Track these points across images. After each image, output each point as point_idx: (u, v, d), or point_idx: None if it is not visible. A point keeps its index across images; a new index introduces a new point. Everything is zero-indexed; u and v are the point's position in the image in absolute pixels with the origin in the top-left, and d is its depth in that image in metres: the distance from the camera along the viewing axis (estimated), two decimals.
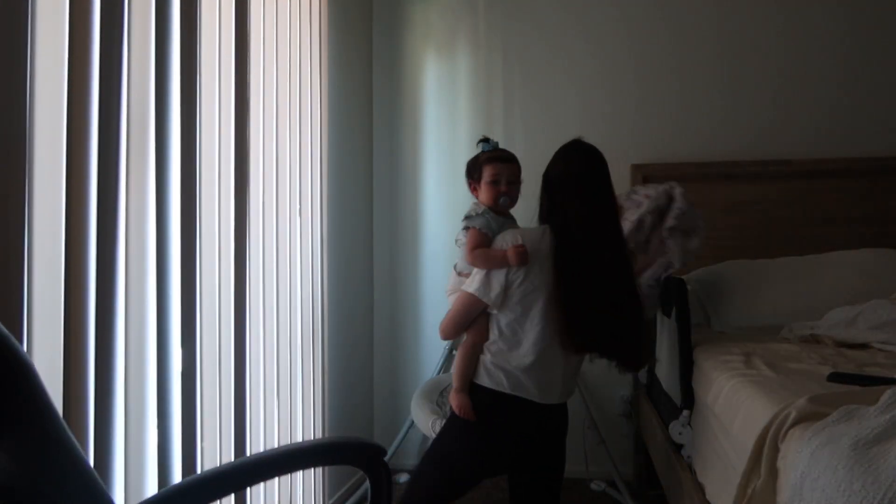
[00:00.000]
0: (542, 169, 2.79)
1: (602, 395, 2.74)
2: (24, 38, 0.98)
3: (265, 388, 1.78)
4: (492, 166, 1.56)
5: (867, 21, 2.60)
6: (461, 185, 2.93)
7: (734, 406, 1.33)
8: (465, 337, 1.56)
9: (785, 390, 1.25)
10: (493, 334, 1.51)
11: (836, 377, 1.33)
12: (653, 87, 2.74)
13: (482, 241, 1.50)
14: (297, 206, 2.06)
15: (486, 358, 1.50)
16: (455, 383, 1.52)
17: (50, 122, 1.02)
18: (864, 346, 1.75)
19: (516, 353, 1.48)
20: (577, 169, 1.51)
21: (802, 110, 2.64)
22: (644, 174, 2.64)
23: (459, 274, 1.58)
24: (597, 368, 2.74)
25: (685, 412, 1.72)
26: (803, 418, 1.04)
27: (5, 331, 0.64)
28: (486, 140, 1.64)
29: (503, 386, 1.46)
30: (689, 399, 1.72)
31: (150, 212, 1.25)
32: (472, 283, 1.49)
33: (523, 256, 1.43)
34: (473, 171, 1.60)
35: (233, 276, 1.60)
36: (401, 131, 2.97)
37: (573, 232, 1.46)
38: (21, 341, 0.96)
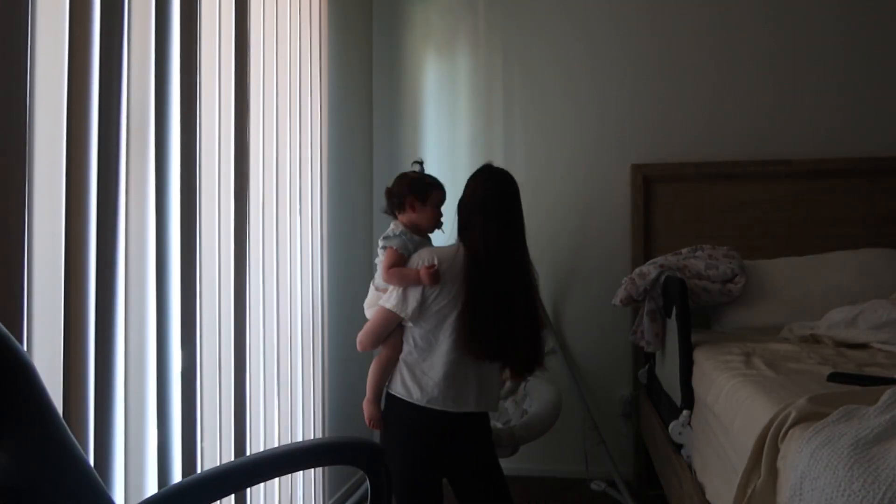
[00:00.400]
0: (544, 168, 2.81)
1: (602, 395, 2.74)
2: (24, 38, 0.98)
3: (265, 388, 1.78)
4: (438, 192, 1.67)
5: (867, 21, 2.60)
6: (461, 185, 2.93)
7: (734, 406, 1.33)
8: (380, 349, 1.62)
9: (785, 390, 1.25)
10: (408, 346, 1.58)
11: (836, 377, 1.33)
12: (653, 87, 2.74)
13: (398, 260, 1.58)
14: (297, 206, 2.06)
15: (403, 370, 1.58)
16: (368, 393, 1.60)
17: (50, 122, 1.02)
18: (864, 346, 1.75)
19: (429, 362, 1.56)
20: (483, 192, 1.60)
21: (802, 110, 2.64)
22: (644, 174, 2.65)
23: (377, 289, 1.65)
24: (597, 369, 2.77)
25: (685, 412, 1.72)
26: (803, 418, 1.04)
27: (5, 331, 0.64)
28: (420, 163, 1.75)
29: (416, 398, 1.54)
30: (689, 399, 1.72)
31: (149, 212, 1.25)
32: (390, 300, 1.56)
33: (434, 276, 1.53)
34: (419, 191, 1.65)
35: (233, 276, 1.60)
36: (401, 131, 2.97)
37: (479, 248, 1.56)
38: (21, 341, 0.96)
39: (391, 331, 1.60)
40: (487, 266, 1.54)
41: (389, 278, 1.57)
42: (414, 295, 1.54)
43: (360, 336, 1.62)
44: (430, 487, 1.59)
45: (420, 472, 1.58)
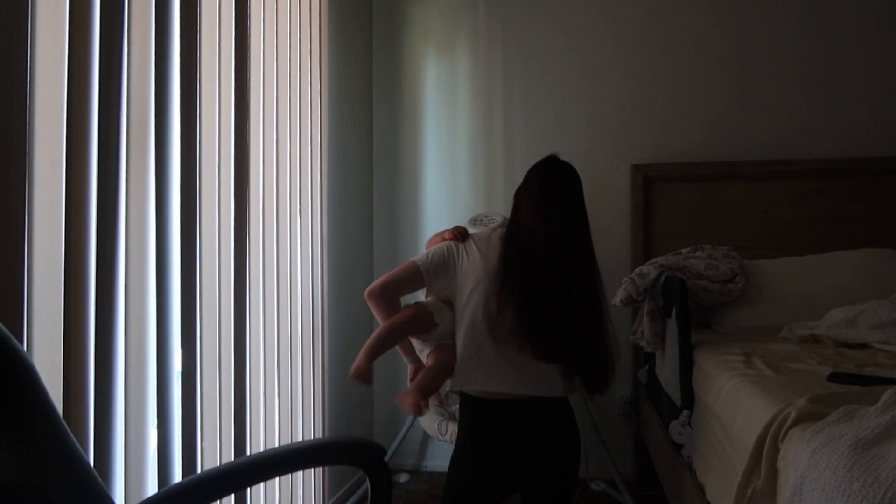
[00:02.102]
0: None
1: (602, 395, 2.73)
2: (24, 38, 0.98)
3: (265, 388, 1.78)
4: None
5: (867, 21, 2.60)
6: (461, 185, 2.93)
7: (734, 406, 1.33)
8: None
9: (785, 390, 1.25)
10: (458, 348, 1.51)
11: (836, 377, 1.33)
12: (653, 86, 2.74)
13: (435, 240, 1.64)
14: (297, 206, 2.06)
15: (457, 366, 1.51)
16: (366, 348, 1.50)
17: (50, 122, 1.02)
18: (864, 346, 1.75)
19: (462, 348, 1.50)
20: (538, 182, 1.55)
21: (802, 110, 2.64)
22: (644, 174, 2.65)
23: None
24: None
25: (685, 412, 1.72)
26: (803, 418, 1.04)
27: (5, 331, 0.64)
28: None
29: (474, 386, 1.48)
30: (689, 399, 1.72)
31: (150, 212, 1.25)
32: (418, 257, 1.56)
33: (457, 233, 1.58)
34: None
35: (233, 276, 1.60)
36: (401, 131, 2.97)
37: (532, 238, 1.48)
38: (21, 341, 0.96)
39: (401, 288, 1.53)
40: (541, 252, 1.45)
41: (427, 246, 1.63)
42: (438, 252, 1.54)
43: (374, 283, 1.54)
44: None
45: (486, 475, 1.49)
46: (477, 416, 1.50)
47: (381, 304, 1.52)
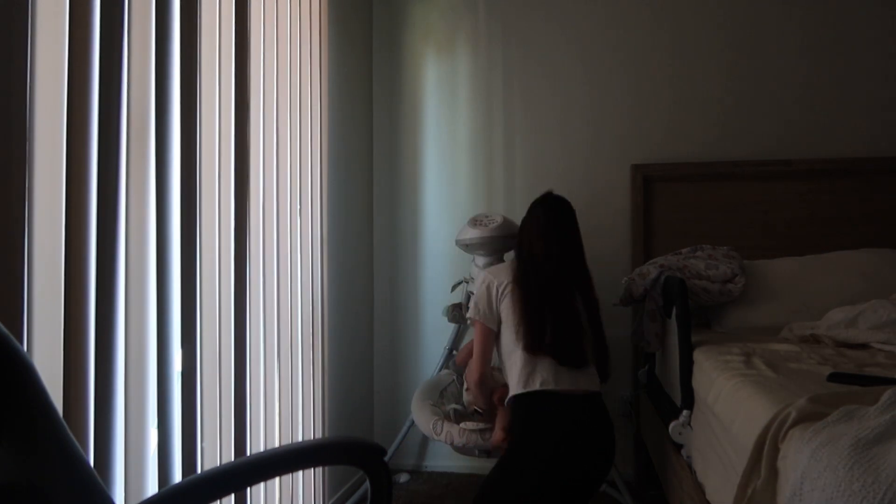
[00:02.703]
0: (544, 167, 2.81)
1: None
2: (24, 38, 0.98)
3: (265, 388, 1.78)
4: None
5: (866, 21, 2.60)
6: (461, 185, 2.93)
7: (734, 406, 1.33)
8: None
9: (785, 390, 1.25)
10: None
11: (836, 377, 1.33)
12: (653, 86, 2.74)
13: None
14: (297, 206, 2.06)
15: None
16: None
17: (50, 122, 1.02)
18: (864, 346, 1.75)
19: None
20: (541, 215, 1.87)
21: (802, 110, 2.64)
22: (644, 174, 2.65)
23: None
24: None
25: (685, 412, 1.72)
26: (803, 418, 1.04)
27: (5, 331, 0.64)
28: None
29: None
30: (689, 399, 1.72)
31: (150, 212, 1.25)
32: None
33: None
34: None
35: (233, 276, 1.60)
36: (401, 131, 2.97)
37: (536, 261, 1.81)
38: (21, 341, 0.96)
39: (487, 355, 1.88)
40: (542, 272, 1.78)
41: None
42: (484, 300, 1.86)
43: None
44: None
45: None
46: (532, 412, 1.70)
47: (486, 389, 1.90)
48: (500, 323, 1.82)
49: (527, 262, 1.82)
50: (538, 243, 1.82)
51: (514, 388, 1.73)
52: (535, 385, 1.69)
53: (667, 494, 1.94)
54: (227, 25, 1.60)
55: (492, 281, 1.84)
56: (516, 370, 1.73)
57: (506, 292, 1.80)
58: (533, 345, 1.71)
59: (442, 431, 1.96)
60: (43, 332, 1.00)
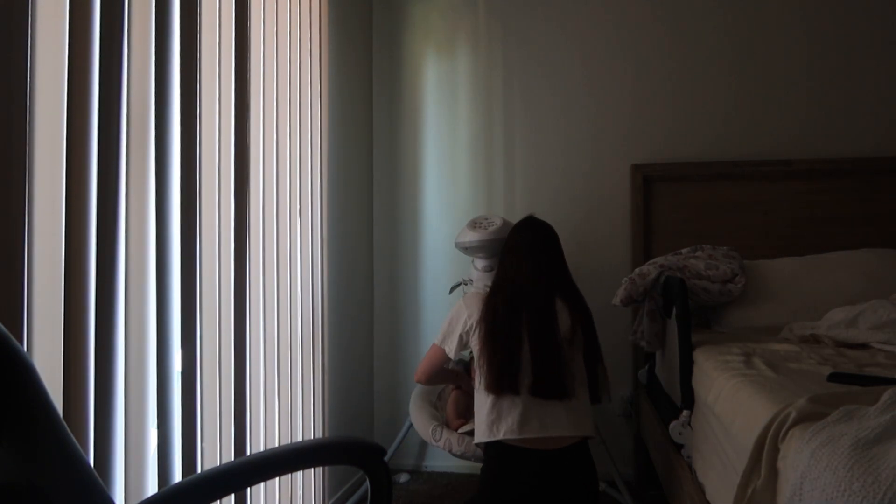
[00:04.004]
0: (544, 168, 2.81)
1: None
2: (24, 37, 0.98)
3: (265, 388, 1.78)
4: None
5: (867, 20, 2.60)
6: (461, 184, 2.93)
7: (734, 406, 1.33)
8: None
9: (785, 390, 1.25)
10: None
11: (836, 377, 1.33)
12: (653, 86, 2.74)
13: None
14: (297, 206, 2.06)
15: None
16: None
17: (50, 122, 1.02)
18: (864, 346, 1.75)
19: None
20: (520, 239, 1.85)
21: (802, 110, 2.64)
22: (644, 174, 2.65)
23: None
24: None
25: (685, 412, 1.72)
26: (803, 418, 1.04)
27: (5, 331, 0.64)
28: None
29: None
30: (689, 399, 1.72)
31: (150, 212, 1.25)
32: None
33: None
34: None
35: (233, 276, 1.60)
36: (401, 131, 2.97)
37: (504, 288, 1.77)
38: (21, 341, 0.96)
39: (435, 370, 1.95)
40: (513, 302, 1.72)
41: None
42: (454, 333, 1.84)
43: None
44: None
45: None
46: (496, 465, 1.67)
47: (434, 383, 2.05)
48: (461, 351, 1.83)
49: (495, 293, 1.77)
50: (510, 270, 1.80)
51: (480, 433, 1.70)
52: (500, 434, 1.64)
53: (667, 494, 1.94)
54: (227, 25, 1.60)
55: (463, 312, 1.81)
56: (483, 412, 1.69)
57: (475, 328, 1.76)
58: (496, 384, 1.66)
59: (441, 438, 1.96)
60: (43, 332, 1.00)
